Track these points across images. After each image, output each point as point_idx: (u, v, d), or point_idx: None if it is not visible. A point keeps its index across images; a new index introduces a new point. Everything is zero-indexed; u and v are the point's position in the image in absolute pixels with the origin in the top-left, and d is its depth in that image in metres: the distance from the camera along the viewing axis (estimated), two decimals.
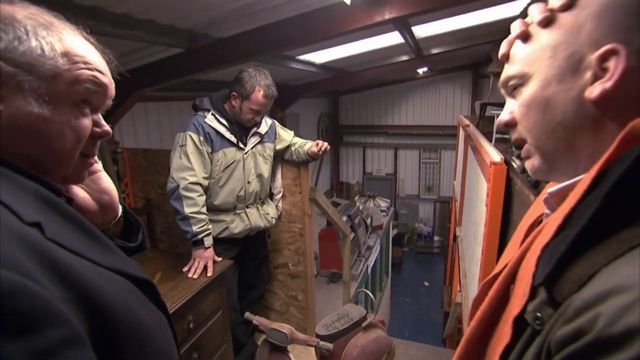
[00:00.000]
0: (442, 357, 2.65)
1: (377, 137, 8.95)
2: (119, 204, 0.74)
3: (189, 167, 1.93)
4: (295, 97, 5.49)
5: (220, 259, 2.01)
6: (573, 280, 0.41)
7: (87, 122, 0.56)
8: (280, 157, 2.37)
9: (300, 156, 2.27)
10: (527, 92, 0.54)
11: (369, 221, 4.94)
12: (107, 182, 0.71)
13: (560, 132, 0.51)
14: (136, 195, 2.62)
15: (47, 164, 0.53)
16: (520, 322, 0.47)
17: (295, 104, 5.69)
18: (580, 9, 0.49)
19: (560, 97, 0.50)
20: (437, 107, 8.25)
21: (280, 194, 2.43)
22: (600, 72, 0.47)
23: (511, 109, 0.58)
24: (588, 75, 0.48)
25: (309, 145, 2.23)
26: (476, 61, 7.05)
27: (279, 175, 2.41)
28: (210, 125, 1.99)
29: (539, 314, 0.44)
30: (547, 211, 0.58)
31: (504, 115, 0.58)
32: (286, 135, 2.32)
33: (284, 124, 2.49)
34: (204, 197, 1.98)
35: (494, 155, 1.49)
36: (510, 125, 0.58)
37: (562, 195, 0.51)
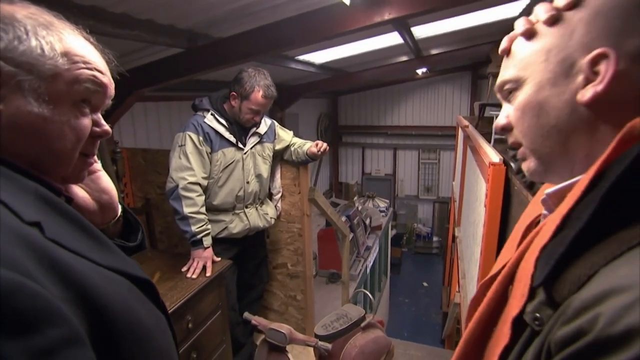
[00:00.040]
0: (440, 358, 2.66)
1: (376, 137, 8.96)
2: (118, 203, 0.74)
3: (188, 167, 1.93)
4: (295, 97, 5.49)
5: (219, 259, 2.00)
6: (572, 281, 0.41)
7: (86, 121, 0.56)
8: (280, 157, 2.37)
9: (299, 156, 2.27)
10: (522, 96, 0.54)
11: (367, 221, 4.94)
12: (106, 181, 0.71)
13: (555, 135, 0.52)
14: (135, 195, 2.62)
15: (47, 164, 0.53)
16: (519, 323, 0.47)
17: (295, 104, 5.69)
18: (577, 12, 0.50)
19: (554, 101, 0.51)
20: (436, 108, 8.25)
21: (280, 194, 2.43)
22: (591, 75, 0.47)
23: (507, 113, 0.58)
24: (580, 78, 0.48)
25: (308, 146, 2.23)
26: (475, 62, 7.06)
27: (278, 176, 2.41)
28: (209, 125, 1.99)
29: (538, 315, 0.44)
30: (544, 212, 0.58)
31: (500, 120, 0.59)
32: (285, 136, 2.32)
33: (283, 124, 2.50)
34: (203, 197, 1.98)
35: (492, 155, 1.50)
36: (507, 129, 0.59)
37: (559, 196, 0.51)
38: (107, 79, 0.59)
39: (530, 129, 0.54)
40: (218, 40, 2.37)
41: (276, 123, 2.31)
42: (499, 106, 0.64)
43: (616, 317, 0.33)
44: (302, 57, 3.74)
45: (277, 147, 2.29)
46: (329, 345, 1.61)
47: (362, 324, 1.74)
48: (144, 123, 3.53)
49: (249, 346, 2.38)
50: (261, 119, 2.12)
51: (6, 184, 0.45)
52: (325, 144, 2.21)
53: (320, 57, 3.92)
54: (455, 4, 2.07)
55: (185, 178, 1.92)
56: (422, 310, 7.15)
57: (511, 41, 0.57)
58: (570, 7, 0.50)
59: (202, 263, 1.90)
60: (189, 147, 1.94)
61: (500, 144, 1.90)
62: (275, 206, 2.42)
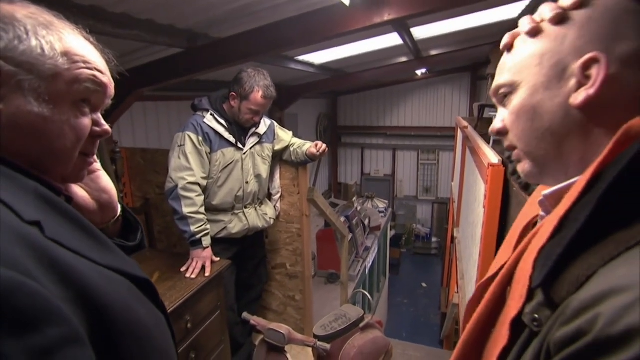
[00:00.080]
0: (439, 358, 2.66)
1: (376, 138, 8.96)
2: (118, 203, 0.74)
3: (187, 167, 1.93)
4: (294, 97, 5.49)
5: (218, 259, 2.00)
6: (570, 282, 0.41)
7: (86, 121, 0.56)
8: (279, 158, 2.37)
9: (298, 157, 2.27)
10: (516, 100, 0.55)
11: (367, 222, 4.94)
12: (106, 181, 0.71)
13: (549, 138, 0.52)
14: (134, 195, 2.61)
15: (47, 163, 0.53)
16: (517, 324, 0.47)
17: (294, 104, 5.69)
18: (582, 12, 0.51)
19: (547, 104, 0.51)
20: (436, 109, 8.26)
21: (279, 195, 2.44)
22: (583, 79, 0.48)
23: (502, 117, 0.59)
24: (573, 82, 0.49)
25: (308, 146, 2.24)
26: (475, 63, 7.07)
27: (277, 176, 2.42)
28: (209, 126, 1.99)
29: (536, 316, 0.45)
30: (542, 213, 0.58)
31: (496, 124, 0.60)
32: (285, 136, 2.32)
33: (282, 124, 2.50)
34: (202, 197, 1.98)
35: (491, 156, 1.50)
36: (503, 133, 0.59)
37: (556, 197, 0.52)
38: (107, 78, 0.60)
39: (525, 133, 0.55)
40: (218, 41, 2.37)
41: (276, 123, 2.31)
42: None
43: (616, 318, 0.34)
44: (301, 58, 3.74)
45: (277, 147, 2.29)
46: (327, 346, 1.61)
47: (361, 325, 1.74)
48: (143, 123, 3.53)
49: (248, 346, 2.38)
50: (261, 119, 2.12)
51: (6, 183, 0.45)
52: (324, 145, 2.21)
53: (319, 57, 3.92)
54: (454, 5, 2.07)
55: (184, 178, 1.92)
56: (420, 311, 7.16)
57: (513, 38, 0.57)
58: (577, 6, 0.51)
59: (201, 263, 1.90)
60: (189, 147, 1.94)
61: (499, 145, 1.90)
62: (275, 206, 2.42)
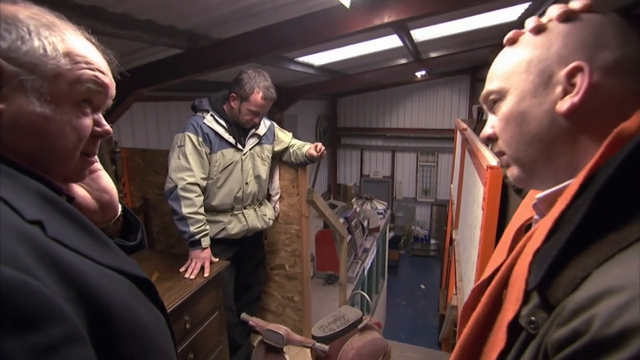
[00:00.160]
0: None
1: (375, 139, 8.96)
2: (118, 202, 0.74)
3: (187, 168, 1.93)
4: (294, 98, 5.49)
5: (217, 259, 2.00)
6: (566, 283, 0.41)
7: (88, 121, 0.57)
8: (279, 159, 2.37)
9: (298, 158, 2.28)
10: (505, 106, 0.56)
11: (365, 223, 4.94)
12: (107, 181, 0.71)
13: (536, 144, 0.53)
14: (133, 195, 2.61)
15: (49, 163, 0.54)
16: (514, 327, 0.48)
17: (294, 105, 5.70)
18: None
19: (535, 111, 0.53)
20: (435, 111, 8.27)
21: (278, 196, 2.44)
22: (569, 87, 0.50)
23: (492, 123, 0.60)
24: (559, 90, 0.51)
25: (307, 148, 2.24)
26: (474, 65, 7.08)
27: (276, 177, 2.42)
28: (209, 126, 1.99)
29: (533, 318, 0.45)
30: (536, 216, 0.59)
31: (486, 130, 0.61)
32: (284, 137, 2.33)
33: (282, 125, 2.50)
34: (201, 198, 1.98)
35: (490, 159, 1.51)
36: (492, 139, 0.60)
37: (550, 200, 0.52)
38: (109, 79, 0.60)
39: (513, 139, 0.56)
40: (218, 41, 2.37)
41: (275, 124, 2.32)
42: None
43: (611, 318, 0.34)
44: (301, 59, 3.75)
45: (276, 148, 2.30)
46: (326, 347, 1.61)
47: (359, 326, 1.74)
48: (142, 123, 3.53)
49: (246, 347, 2.37)
50: (260, 120, 2.12)
51: (8, 183, 0.46)
52: (324, 147, 2.22)
53: (319, 59, 3.92)
54: (454, 8, 2.07)
55: (184, 178, 1.92)
56: (419, 313, 7.15)
57: (517, 35, 0.58)
58: (585, 9, 0.52)
59: (200, 263, 1.90)
60: (188, 148, 1.94)
61: None
62: (274, 207, 2.42)
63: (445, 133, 7.91)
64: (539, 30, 0.54)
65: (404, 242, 8.95)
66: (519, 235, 0.63)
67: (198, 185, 1.96)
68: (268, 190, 2.39)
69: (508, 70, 0.56)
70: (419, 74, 7.02)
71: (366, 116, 8.87)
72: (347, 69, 4.93)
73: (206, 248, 1.94)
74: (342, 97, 8.91)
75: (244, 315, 1.73)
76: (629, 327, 0.33)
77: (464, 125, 3.18)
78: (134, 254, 0.73)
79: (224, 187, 2.07)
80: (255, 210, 2.23)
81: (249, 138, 2.11)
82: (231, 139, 2.03)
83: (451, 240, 3.48)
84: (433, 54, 4.94)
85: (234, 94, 1.99)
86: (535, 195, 0.57)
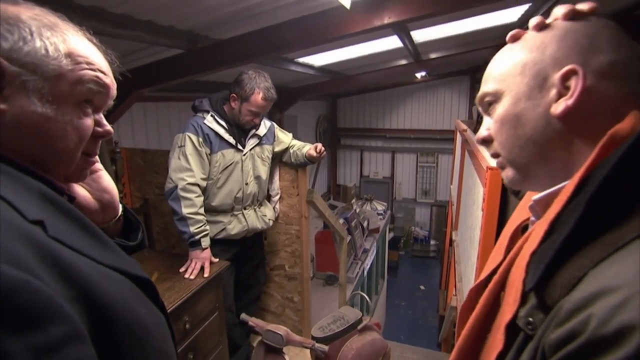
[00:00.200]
0: None
1: (375, 140, 8.97)
2: (119, 202, 0.74)
3: (187, 168, 1.93)
4: (294, 99, 5.49)
5: (217, 260, 2.00)
6: (562, 284, 0.42)
7: (89, 121, 0.57)
8: (279, 159, 2.38)
9: (298, 159, 2.28)
10: (500, 108, 0.56)
11: (365, 224, 4.94)
12: (107, 181, 0.71)
13: (531, 147, 0.54)
14: (133, 196, 2.61)
15: (50, 163, 0.54)
16: (512, 329, 0.48)
17: (294, 106, 5.70)
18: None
19: (530, 113, 0.53)
20: (435, 112, 8.28)
21: (278, 196, 2.44)
22: (563, 90, 0.50)
23: (488, 125, 0.60)
24: (553, 92, 0.51)
25: (307, 148, 2.24)
26: (474, 66, 7.08)
27: (276, 177, 2.42)
28: (209, 127, 1.99)
29: (530, 319, 0.45)
30: (532, 218, 0.59)
31: (481, 132, 0.61)
32: (285, 138, 2.33)
33: (282, 126, 2.50)
34: (201, 198, 1.98)
35: (490, 160, 1.51)
36: (488, 141, 0.61)
37: (546, 202, 0.53)
38: (110, 79, 0.60)
39: (508, 141, 0.56)
40: (218, 42, 2.37)
41: (275, 125, 2.32)
42: None
43: (608, 317, 0.34)
44: (301, 60, 3.75)
45: (276, 149, 2.30)
46: (325, 347, 1.61)
47: (359, 327, 1.74)
48: (142, 123, 3.53)
49: (246, 347, 2.37)
50: (261, 120, 2.13)
51: (10, 183, 0.46)
52: (323, 148, 2.22)
53: (319, 59, 3.93)
54: (454, 9, 2.08)
55: (184, 179, 1.92)
56: (418, 314, 7.14)
57: (520, 33, 0.58)
58: (593, 11, 0.52)
59: (200, 264, 1.90)
60: (189, 148, 1.94)
61: None
62: (274, 208, 2.42)
63: (445, 134, 7.92)
64: (542, 27, 0.55)
65: (403, 242, 8.95)
66: (515, 237, 0.63)
67: (198, 185, 1.96)
68: (268, 190, 2.39)
69: (504, 72, 0.56)
70: (419, 75, 7.03)
71: (366, 117, 8.87)
72: (347, 70, 4.94)
73: (206, 248, 1.94)
74: (342, 98, 8.91)
75: (243, 316, 1.73)
76: (625, 326, 0.33)
77: (464, 126, 3.18)
78: (134, 254, 0.74)
79: (224, 188, 2.07)
80: (255, 210, 2.24)
81: (249, 139, 2.12)
82: (231, 140, 2.04)
83: (451, 241, 3.48)
84: (433, 55, 4.95)
85: (234, 95, 1.99)
86: (532, 197, 0.57)
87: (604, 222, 0.42)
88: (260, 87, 1.96)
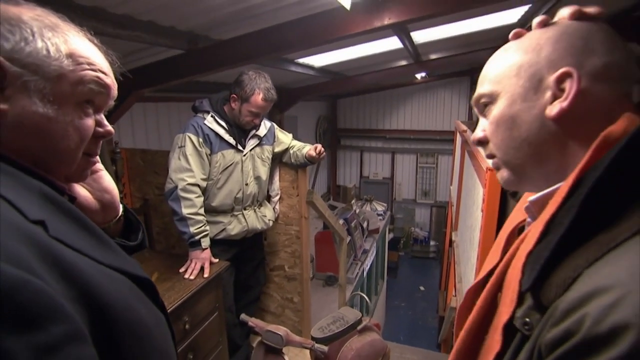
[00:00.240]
0: None
1: (375, 141, 8.97)
2: (119, 203, 0.74)
3: (187, 169, 1.93)
4: (294, 99, 5.49)
5: (217, 260, 2.00)
6: (558, 284, 0.42)
7: (90, 122, 0.57)
8: (279, 160, 2.38)
9: (298, 159, 2.28)
10: (496, 110, 0.57)
11: (365, 225, 4.94)
12: (108, 181, 0.72)
13: (526, 148, 0.54)
14: (133, 196, 2.61)
15: (51, 163, 0.54)
16: (509, 329, 0.48)
17: (294, 106, 5.70)
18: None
19: (525, 115, 0.53)
20: (435, 112, 8.28)
21: (278, 197, 2.44)
22: (558, 92, 0.51)
23: (483, 127, 0.61)
24: (548, 94, 0.51)
25: (307, 149, 2.24)
26: (474, 67, 7.08)
27: (276, 178, 2.42)
28: (209, 127, 1.99)
29: (527, 320, 0.46)
30: (528, 219, 0.59)
31: (477, 133, 0.62)
32: (285, 138, 2.33)
33: (282, 126, 2.50)
34: (201, 199, 1.98)
35: (489, 161, 1.51)
36: (483, 142, 0.61)
37: (541, 203, 0.53)
38: (111, 80, 0.60)
39: (504, 142, 0.57)
40: (218, 42, 2.37)
41: (276, 125, 2.32)
42: None
43: (602, 316, 0.35)
44: (302, 60, 3.75)
45: (276, 149, 2.30)
46: (325, 348, 1.62)
47: (359, 327, 1.75)
48: (143, 124, 3.53)
49: (246, 348, 2.37)
50: (261, 121, 2.13)
51: (11, 182, 0.46)
52: (322, 149, 2.22)
53: (320, 60, 3.93)
54: (454, 10, 2.08)
55: (184, 179, 1.92)
56: (418, 314, 7.14)
57: (522, 32, 0.58)
58: (599, 14, 0.53)
59: (200, 264, 1.90)
60: (189, 149, 1.94)
61: None
62: (274, 208, 2.42)
63: (445, 135, 7.93)
64: (545, 24, 0.55)
65: (403, 243, 8.95)
66: (512, 238, 0.64)
67: (198, 186, 1.96)
68: (268, 191, 2.39)
69: (499, 73, 0.57)
70: (419, 76, 7.04)
71: (366, 117, 8.88)
72: (347, 71, 4.94)
73: (206, 249, 1.94)
74: (342, 99, 8.92)
75: (243, 316, 1.73)
76: (618, 325, 0.34)
77: (464, 127, 3.18)
78: (134, 254, 0.74)
79: (224, 188, 2.07)
80: (255, 211, 2.24)
81: (249, 139, 2.12)
82: (231, 140, 2.04)
83: (451, 241, 3.48)
84: (433, 56, 4.95)
85: (234, 95, 2.00)
86: (528, 198, 0.57)
87: (597, 223, 0.43)
88: (260, 88, 1.96)
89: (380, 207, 6.32)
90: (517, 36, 0.58)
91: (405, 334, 6.38)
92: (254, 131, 2.12)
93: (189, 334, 1.73)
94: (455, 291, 2.51)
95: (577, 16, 0.53)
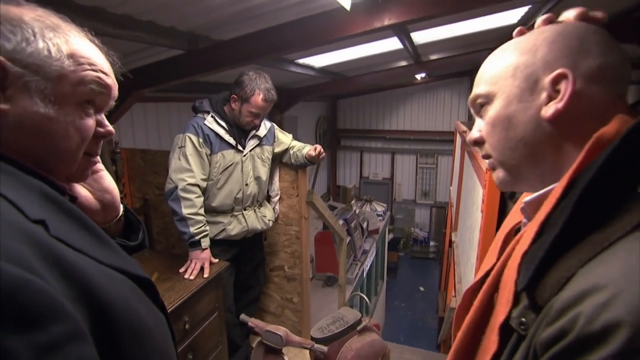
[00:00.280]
0: None
1: (375, 141, 8.98)
2: (120, 203, 0.75)
3: (187, 169, 1.94)
4: (294, 100, 5.50)
5: (217, 260, 2.01)
6: (552, 284, 0.43)
7: (91, 122, 0.57)
8: (279, 160, 2.38)
9: (298, 159, 2.28)
10: (492, 110, 0.57)
11: (365, 225, 4.94)
12: (109, 181, 0.72)
13: (522, 148, 0.55)
14: (133, 196, 2.62)
15: (52, 163, 0.54)
16: (506, 329, 0.49)
17: (294, 107, 5.70)
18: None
19: (521, 115, 0.54)
20: (435, 113, 8.29)
21: (278, 197, 2.44)
22: (553, 93, 0.51)
23: (479, 127, 0.61)
24: (544, 95, 0.52)
25: (307, 149, 2.24)
26: (474, 68, 7.07)
27: (276, 178, 2.42)
28: (209, 127, 1.99)
29: (523, 319, 0.46)
30: (524, 220, 0.60)
31: (473, 133, 0.62)
32: (285, 139, 2.33)
33: (282, 126, 2.51)
34: (202, 199, 1.98)
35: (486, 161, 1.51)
36: (479, 142, 0.61)
37: (536, 204, 0.54)
38: (112, 80, 0.61)
39: (500, 142, 0.57)
40: (219, 43, 2.38)
41: (276, 126, 2.32)
42: None
43: (595, 315, 0.36)
44: (302, 61, 3.75)
45: (277, 150, 2.30)
46: (325, 348, 1.62)
47: (358, 328, 1.75)
48: (143, 124, 3.53)
49: (245, 348, 2.38)
50: (261, 121, 2.13)
51: (12, 182, 0.46)
52: (322, 150, 2.22)
53: (320, 60, 3.93)
54: (454, 11, 2.08)
55: (184, 179, 1.92)
56: (418, 315, 7.15)
57: (524, 32, 0.59)
58: (604, 18, 0.53)
59: (200, 264, 1.91)
60: (189, 149, 1.94)
61: None
62: (274, 209, 2.42)
63: (445, 135, 7.94)
64: (550, 22, 0.56)
65: (403, 244, 8.95)
66: (509, 239, 0.64)
67: (198, 186, 1.96)
68: (268, 191, 2.40)
69: (496, 74, 0.57)
70: (418, 76, 7.04)
71: (366, 118, 8.88)
72: (347, 71, 4.94)
73: (206, 249, 1.94)
74: (342, 99, 8.92)
75: (243, 316, 1.73)
76: (611, 323, 0.34)
77: (464, 128, 3.18)
78: (134, 254, 0.74)
79: (224, 188, 2.07)
80: (255, 211, 2.24)
81: (249, 139, 2.12)
82: (232, 140, 2.04)
83: (450, 242, 3.48)
84: (433, 57, 4.96)
85: (234, 96, 2.00)
86: (523, 199, 0.58)
87: (591, 223, 0.43)
88: (260, 88, 1.96)
89: (380, 208, 6.32)
90: (521, 33, 0.59)
91: (404, 335, 6.38)
92: (254, 131, 2.12)
93: (189, 334, 1.73)
94: (454, 292, 2.51)
95: (582, 18, 0.54)
